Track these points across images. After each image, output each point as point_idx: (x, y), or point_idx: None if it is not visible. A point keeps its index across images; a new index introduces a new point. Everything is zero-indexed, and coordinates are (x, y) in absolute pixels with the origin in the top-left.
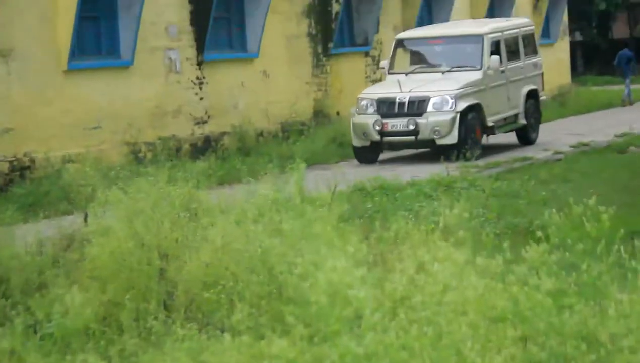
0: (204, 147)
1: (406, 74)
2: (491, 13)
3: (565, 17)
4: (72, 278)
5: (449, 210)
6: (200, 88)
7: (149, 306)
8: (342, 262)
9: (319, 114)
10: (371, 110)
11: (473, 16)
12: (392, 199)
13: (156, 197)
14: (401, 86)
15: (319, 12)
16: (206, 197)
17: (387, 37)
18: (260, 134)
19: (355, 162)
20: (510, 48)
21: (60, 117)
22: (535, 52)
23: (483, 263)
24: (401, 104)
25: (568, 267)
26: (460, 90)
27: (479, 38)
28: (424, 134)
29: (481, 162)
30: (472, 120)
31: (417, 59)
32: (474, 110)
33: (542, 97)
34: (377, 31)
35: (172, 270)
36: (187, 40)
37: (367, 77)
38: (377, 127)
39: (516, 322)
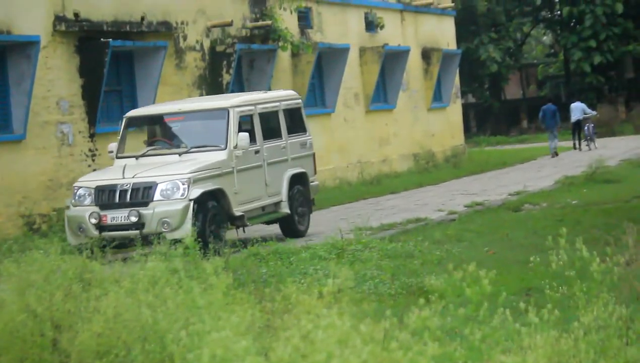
0: None
1: (137, 157)
2: (382, 78)
3: (457, 80)
4: None
5: (336, 274)
6: (93, 160)
7: None
8: (227, 332)
9: None
10: (88, 200)
11: (364, 82)
12: (287, 263)
13: (49, 268)
14: (125, 172)
15: (210, 82)
16: (100, 268)
17: None
18: None
19: (248, 227)
20: (269, 125)
21: None
22: (303, 130)
23: (367, 329)
24: (123, 192)
25: (452, 332)
26: (195, 173)
27: (223, 112)
28: (150, 227)
29: (375, 224)
30: (212, 209)
31: (152, 140)
32: (215, 197)
33: (313, 182)
34: None
35: (65, 340)
36: (79, 114)
37: None
38: (94, 221)
39: None
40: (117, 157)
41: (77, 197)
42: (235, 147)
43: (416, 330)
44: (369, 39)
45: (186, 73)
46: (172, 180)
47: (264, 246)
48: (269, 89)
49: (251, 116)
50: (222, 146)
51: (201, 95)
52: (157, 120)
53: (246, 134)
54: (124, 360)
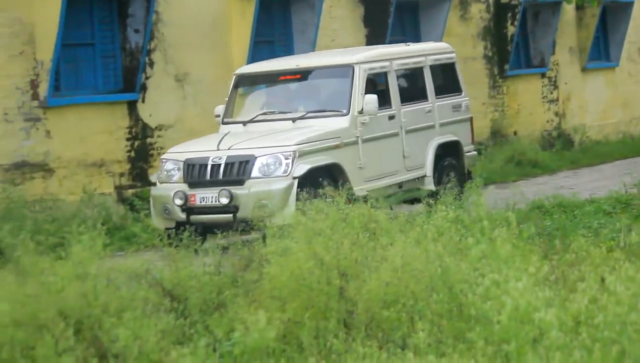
0: None
1: (244, 123)
2: None
3: None
4: (251, 298)
5: (628, 228)
6: None
7: (328, 324)
8: (524, 282)
9: (496, 134)
10: (177, 176)
11: None
12: (570, 217)
13: (335, 217)
14: (222, 142)
15: (495, 34)
16: (385, 217)
17: (563, 58)
18: None
19: (535, 179)
20: (410, 84)
21: None
22: (457, 90)
23: None
24: (215, 168)
25: None
26: (304, 145)
27: (347, 70)
28: (245, 211)
29: None
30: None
31: (265, 102)
32: (330, 174)
33: (470, 152)
34: (553, 52)
35: (352, 289)
36: None
37: (543, 98)
38: (179, 201)
39: None
40: (223, 123)
41: (164, 172)
42: (361, 112)
43: None
44: None
45: (471, 24)
46: (273, 154)
47: (548, 198)
48: (554, 43)
49: (385, 74)
50: (344, 111)
51: (485, 47)
52: (271, 79)
53: (374, 97)
54: (411, 310)
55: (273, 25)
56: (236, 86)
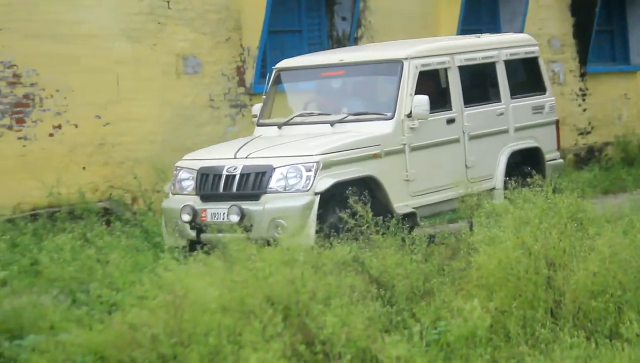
0: (587, 157)
1: (280, 125)
2: None
3: None
4: (458, 286)
5: None
6: (584, 99)
7: (536, 314)
8: None
9: None
10: (191, 187)
11: None
12: None
13: (543, 206)
14: (242, 149)
15: None
16: (592, 207)
17: None
18: None
19: None
20: (477, 82)
21: None
22: (540, 89)
23: None
24: (229, 179)
25: None
26: (331, 154)
27: (394, 66)
28: (259, 230)
29: None
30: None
31: (305, 102)
32: (364, 188)
33: (554, 160)
34: None
35: (560, 278)
36: (570, 53)
37: None
38: (186, 217)
39: None
40: (258, 124)
41: (177, 182)
42: (409, 115)
43: None
44: None
45: None
46: (294, 164)
47: None
48: None
49: (445, 70)
50: (389, 114)
51: None
52: (313, 75)
53: (425, 98)
54: (618, 301)
55: (480, 13)
56: (275, 82)
